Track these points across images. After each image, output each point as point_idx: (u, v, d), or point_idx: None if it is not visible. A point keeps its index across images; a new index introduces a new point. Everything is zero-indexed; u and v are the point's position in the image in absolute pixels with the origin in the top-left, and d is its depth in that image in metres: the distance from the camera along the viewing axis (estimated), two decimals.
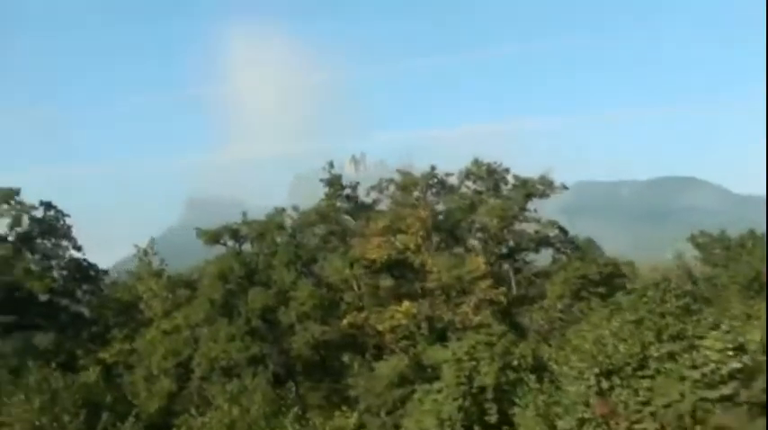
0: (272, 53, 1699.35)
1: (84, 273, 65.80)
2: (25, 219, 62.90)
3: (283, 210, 64.14)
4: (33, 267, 61.32)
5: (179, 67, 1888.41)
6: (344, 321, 56.71)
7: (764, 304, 45.99)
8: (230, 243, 63.67)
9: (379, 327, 56.64)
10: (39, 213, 64.56)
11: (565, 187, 60.40)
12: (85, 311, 67.04)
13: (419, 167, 66.60)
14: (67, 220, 66.21)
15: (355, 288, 59.57)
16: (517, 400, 43.98)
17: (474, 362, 48.01)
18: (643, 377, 43.23)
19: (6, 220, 62.74)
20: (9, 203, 61.92)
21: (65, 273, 65.12)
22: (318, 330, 56.21)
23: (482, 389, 48.31)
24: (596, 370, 43.65)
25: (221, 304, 57.94)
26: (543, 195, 59.68)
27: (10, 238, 62.93)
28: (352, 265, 58.42)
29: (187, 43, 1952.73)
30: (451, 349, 50.09)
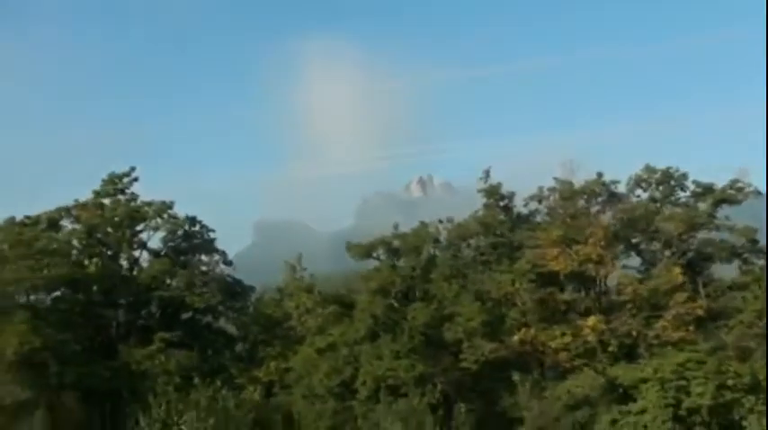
0: (336, 69, 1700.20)
1: (232, 289, 64.19)
2: (179, 233, 61.92)
3: (440, 221, 61.31)
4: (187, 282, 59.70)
5: (245, 86, 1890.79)
6: (515, 338, 53.30)
7: None
8: (383, 257, 60.99)
9: (552, 344, 53.01)
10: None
11: (759, 192, 55.66)
12: (230, 328, 65.44)
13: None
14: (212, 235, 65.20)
15: (519, 303, 56.10)
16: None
17: (683, 382, 44.17)
18: None
19: (160, 234, 61.92)
20: (162, 217, 60.99)
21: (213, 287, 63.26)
22: (488, 347, 52.93)
23: (690, 411, 44.38)
24: None
25: (382, 321, 55.39)
26: (735, 201, 55.09)
27: (163, 253, 62.03)
28: (517, 279, 55.08)
29: (254, 61, 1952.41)
30: (652, 367, 46.25)
